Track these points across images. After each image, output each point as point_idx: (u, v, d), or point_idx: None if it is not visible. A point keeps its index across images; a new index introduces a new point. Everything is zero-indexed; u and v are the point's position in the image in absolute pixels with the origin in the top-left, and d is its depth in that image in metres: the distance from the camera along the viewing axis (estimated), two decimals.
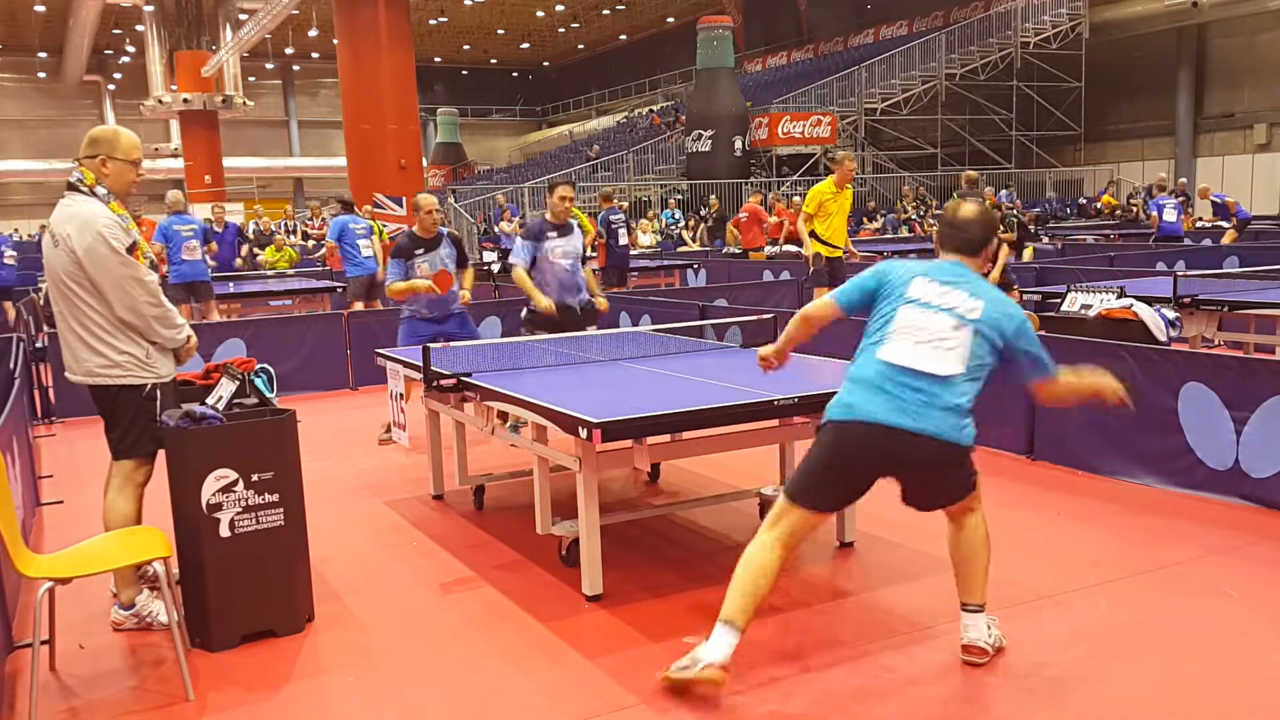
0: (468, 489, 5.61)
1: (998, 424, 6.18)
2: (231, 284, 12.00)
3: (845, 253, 9.56)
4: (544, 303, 6.48)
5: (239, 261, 13.63)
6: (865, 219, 24.10)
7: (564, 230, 6.64)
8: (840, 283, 3.99)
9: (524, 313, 6.84)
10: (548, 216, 6.69)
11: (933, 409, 3.15)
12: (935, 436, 3.14)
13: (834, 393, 3.38)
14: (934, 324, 3.23)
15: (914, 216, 24.38)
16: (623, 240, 12.51)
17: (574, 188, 6.89)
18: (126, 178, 3.94)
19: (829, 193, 9.21)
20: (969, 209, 3.46)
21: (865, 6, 37.20)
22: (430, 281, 6.42)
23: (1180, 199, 15.95)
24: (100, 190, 3.87)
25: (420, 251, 6.62)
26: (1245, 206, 17.67)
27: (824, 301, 3.53)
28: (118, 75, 44.32)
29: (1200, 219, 17.35)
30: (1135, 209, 22.63)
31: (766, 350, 3.78)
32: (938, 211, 23.48)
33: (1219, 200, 16.43)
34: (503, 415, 4.93)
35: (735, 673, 3.28)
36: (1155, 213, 14.37)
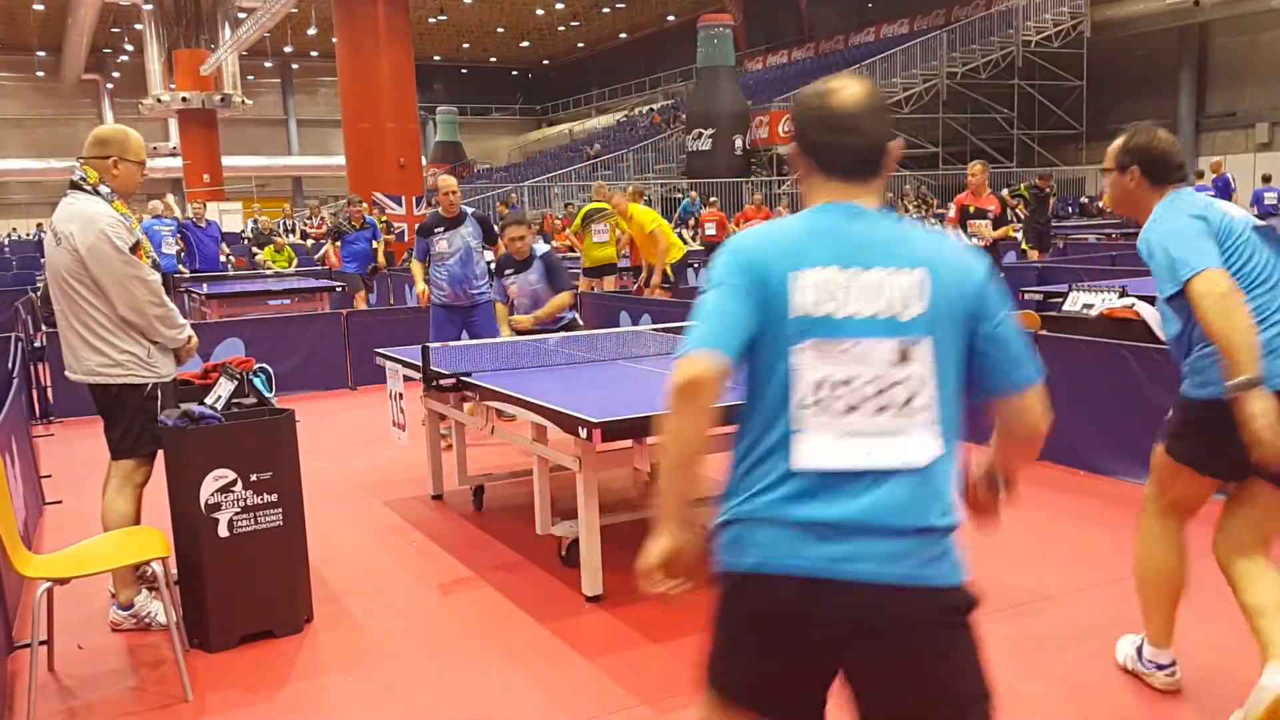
0: (467, 489, 5.60)
1: None
2: (206, 285, 11.81)
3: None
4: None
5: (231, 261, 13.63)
6: None
7: (523, 266, 6.44)
8: None
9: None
10: (512, 254, 6.52)
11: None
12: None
13: None
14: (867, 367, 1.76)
15: (916, 216, 24.40)
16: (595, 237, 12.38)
17: (529, 227, 6.57)
18: (135, 179, 3.98)
19: None
20: (852, 88, 1.82)
21: (866, 4, 37.21)
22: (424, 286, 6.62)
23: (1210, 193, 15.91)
24: (104, 189, 3.87)
25: (440, 229, 6.65)
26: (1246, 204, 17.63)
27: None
28: (116, 74, 44.32)
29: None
30: None
31: None
32: (940, 210, 23.50)
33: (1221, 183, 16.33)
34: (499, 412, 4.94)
35: None
36: None
